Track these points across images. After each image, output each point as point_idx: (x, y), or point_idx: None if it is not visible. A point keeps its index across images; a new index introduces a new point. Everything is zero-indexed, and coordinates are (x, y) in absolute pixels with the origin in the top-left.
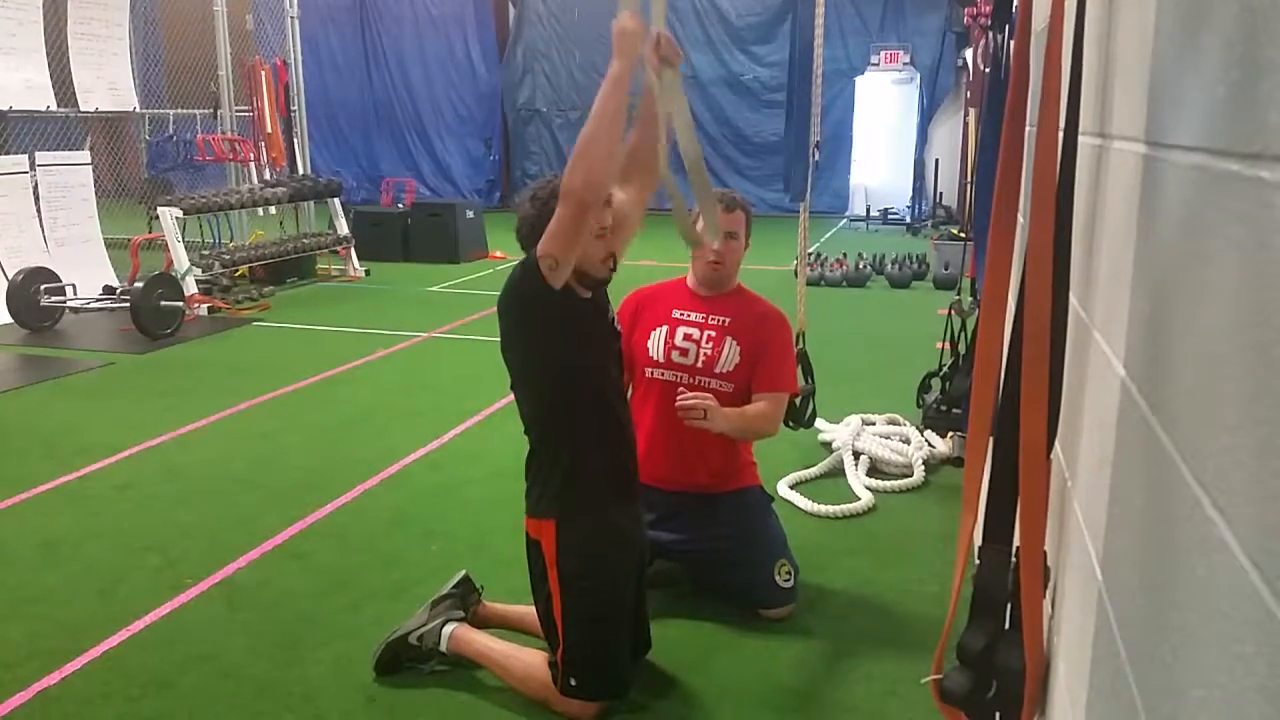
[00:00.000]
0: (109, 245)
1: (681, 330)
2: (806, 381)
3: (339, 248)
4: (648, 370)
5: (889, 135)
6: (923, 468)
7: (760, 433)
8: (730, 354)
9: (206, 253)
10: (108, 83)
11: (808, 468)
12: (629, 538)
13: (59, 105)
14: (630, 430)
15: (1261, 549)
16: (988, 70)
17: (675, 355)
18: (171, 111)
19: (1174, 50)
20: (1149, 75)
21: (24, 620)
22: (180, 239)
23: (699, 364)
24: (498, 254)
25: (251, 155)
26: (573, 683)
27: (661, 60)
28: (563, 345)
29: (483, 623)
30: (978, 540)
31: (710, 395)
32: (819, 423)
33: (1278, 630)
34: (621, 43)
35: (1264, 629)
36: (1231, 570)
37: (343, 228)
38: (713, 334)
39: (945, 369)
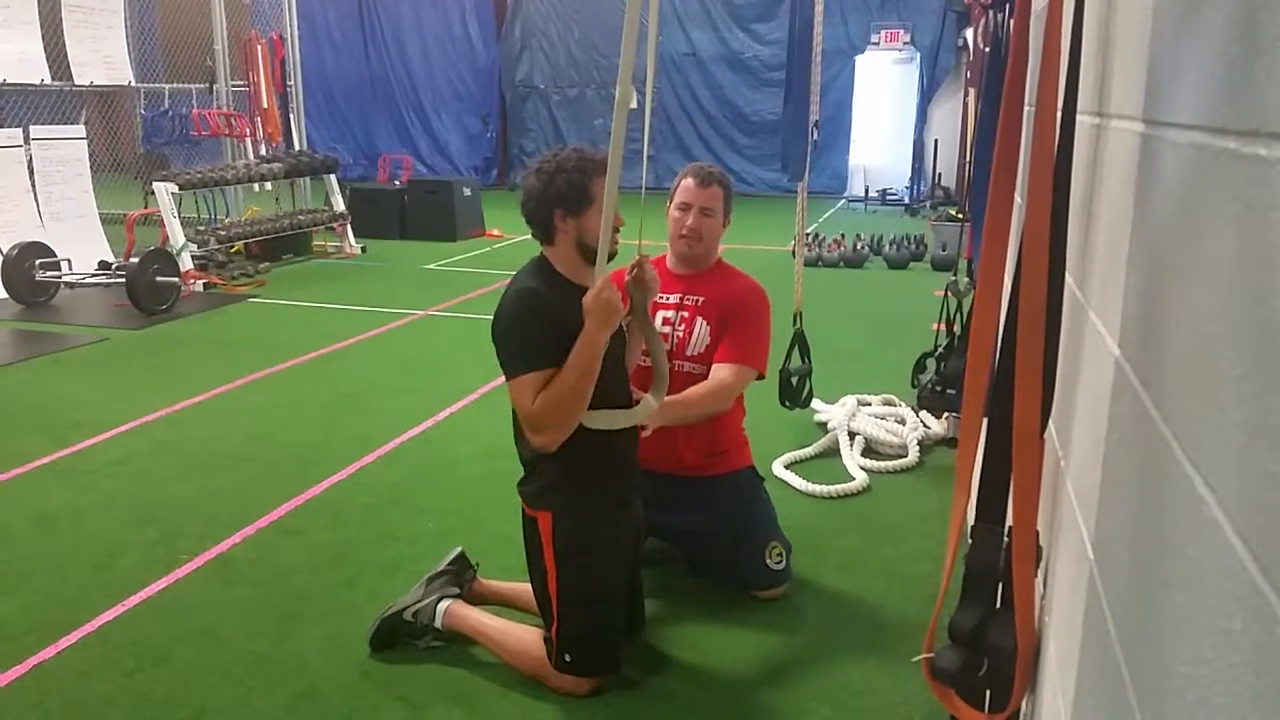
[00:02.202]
0: (104, 220)
1: (660, 314)
2: (803, 362)
3: (335, 224)
4: None
5: (888, 115)
6: (917, 448)
7: (709, 412)
8: (700, 335)
9: (202, 228)
10: (103, 56)
11: (803, 447)
12: (624, 521)
13: (53, 79)
14: (626, 404)
15: (1251, 527)
16: (988, 50)
17: None
18: (167, 86)
19: (1173, 28)
20: (1148, 53)
21: (19, 594)
22: (176, 214)
23: (672, 348)
24: (495, 232)
25: (247, 131)
26: (567, 659)
27: (636, 285)
28: (559, 343)
29: (478, 599)
30: (970, 520)
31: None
32: (815, 403)
33: (1266, 607)
34: (598, 312)
35: (1252, 606)
36: (1221, 548)
37: (339, 204)
38: (685, 315)
39: (941, 350)
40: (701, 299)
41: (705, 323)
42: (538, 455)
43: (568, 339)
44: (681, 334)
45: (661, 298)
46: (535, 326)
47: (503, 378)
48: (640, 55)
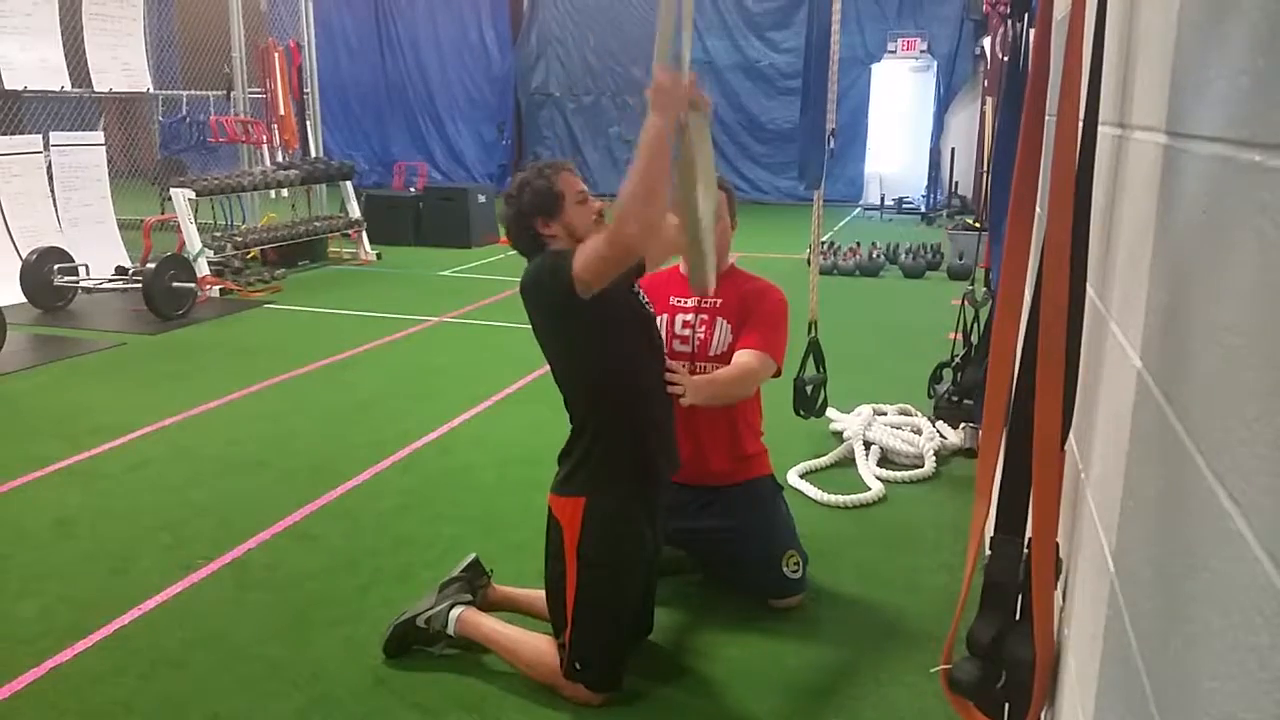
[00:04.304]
0: (122, 226)
1: (680, 318)
2: (818, 371)
3: (351, 231)
4: None
5: (905, 123)
6: (934, 458)
7: (735, 395)
8: (722, 335)
9: (219, 234)
10: (121, 63)
11: (818, 457)
12: (648, 527)
13: (73, 85)
14: (666, 411)
15: (1278, 541)
16: (1006, 59)
17: (677, 344)
18: (185, 93)
19: (1197, 39)
20: (1171, 65)
21: (37, 597)
22: (192, 220)
23: (694, 350)
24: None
25: (264, 137)
26: (578, 666)
27: (690, 106)
28: (591, 327)
29: (492, 606)
30: (989, 531)
31: (681, 370)
32: (830, 412)
33: None
34: (660, 100)
35: (1279, 621)
36: (1247, 562)
37: (355, 211)
38: (705, 317)
39: (958, 360)
40: (720, 300)
41: (726, 323)
42: (584, 429)
43: (606, 305)
44: (703, 336)
45: (680, 302)
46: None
47: (518, 385)
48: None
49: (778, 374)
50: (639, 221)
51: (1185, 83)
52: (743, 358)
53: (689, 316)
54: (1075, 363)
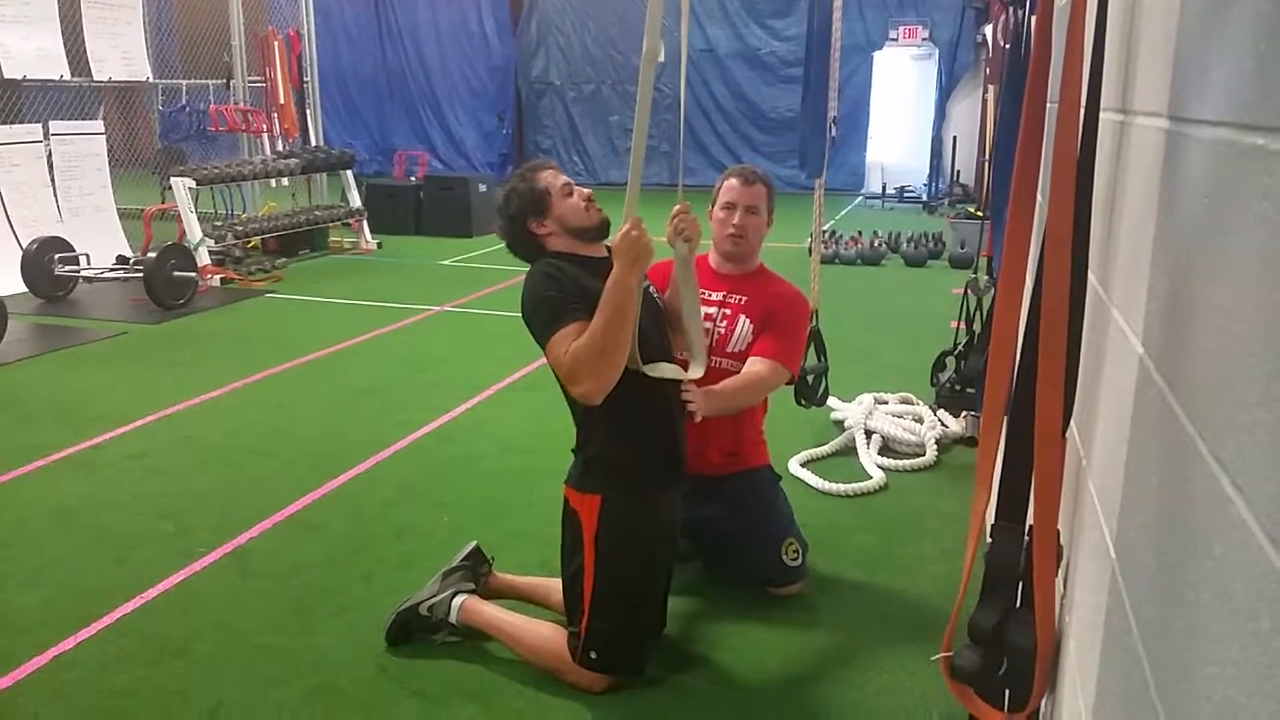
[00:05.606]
0: (122, 215)
1: (702, 310)
2: (820, 360)
3: (351, 220)
4: None
5: (906, 112)
6: (935, 447)
7: (743, 404)
8: (742, 333)
9: (219, 224)
10: (121, 52)
11: (819, 446)
12: (666, 520)
13: (72, 74)
14: (673, 408)
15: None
16: (1007, 46)
17: None
18: (184, 81)
19: (1200, 23)
20: (1173, 49)
21: (39, 586)
22: (193, 209)
23: (713, 344)
24: None
25: (264, 126)
26: (593, 655)
27: (678, 234)
28: (585, 300)
29: (493, 594)
30: (990, 518)
31: (692, 386)
32: (831, 401)
33: None
34: (629, 253)
35: None
36: (1248, 548)
37: (355, 200)
38: (728, 312)
39: (960, 348)
40: (745, 298)
41: (748, 320)
42: (591, 432)
43: (595, 299)
44: (723, 331)
45: (704, 294)
46: (558, 287)
47: (519, 373)
48: (672, 43)
49: (791, 381)
50: (596, 378)
51: (1188, 67)
52: (754, 366)
53: (712, 310)
54: (1076, 350)
